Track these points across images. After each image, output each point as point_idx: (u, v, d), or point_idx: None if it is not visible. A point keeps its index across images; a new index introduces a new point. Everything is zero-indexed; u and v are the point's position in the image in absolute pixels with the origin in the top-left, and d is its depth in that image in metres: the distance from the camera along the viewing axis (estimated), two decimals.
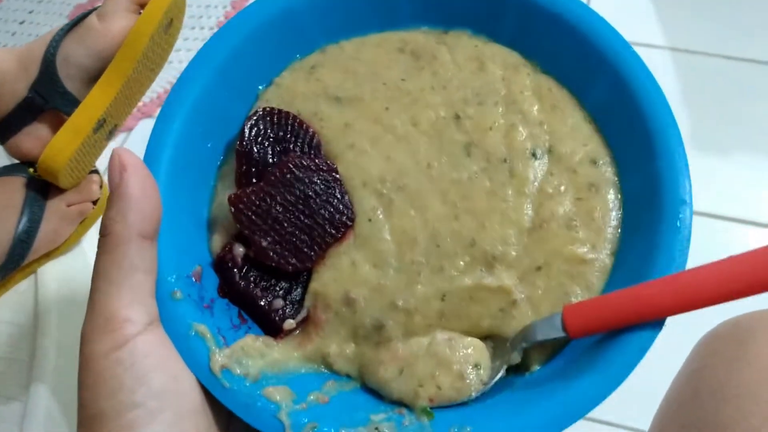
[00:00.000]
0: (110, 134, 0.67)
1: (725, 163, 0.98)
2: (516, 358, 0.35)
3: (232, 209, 0.37)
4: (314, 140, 0.39)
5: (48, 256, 0.84)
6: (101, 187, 0.83)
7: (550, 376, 0.35)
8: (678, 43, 1.11)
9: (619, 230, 0.37)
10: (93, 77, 0.64)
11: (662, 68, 1.08)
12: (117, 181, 0.31)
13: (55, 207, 0.78)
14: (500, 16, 0.41)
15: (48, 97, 0.65)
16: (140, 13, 0.66)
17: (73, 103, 0.62)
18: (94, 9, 0.66)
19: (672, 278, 0.32)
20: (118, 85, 0.59)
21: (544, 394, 0.33)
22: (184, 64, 0.42)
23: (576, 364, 0.34)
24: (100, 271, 0.31)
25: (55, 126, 0.67)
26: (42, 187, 0.76)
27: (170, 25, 0.62)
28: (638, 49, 0.39)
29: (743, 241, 0.91)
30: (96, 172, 0.81)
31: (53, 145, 0.65)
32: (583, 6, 0.39)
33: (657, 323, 0.33)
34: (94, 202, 0.83)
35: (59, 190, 0.77)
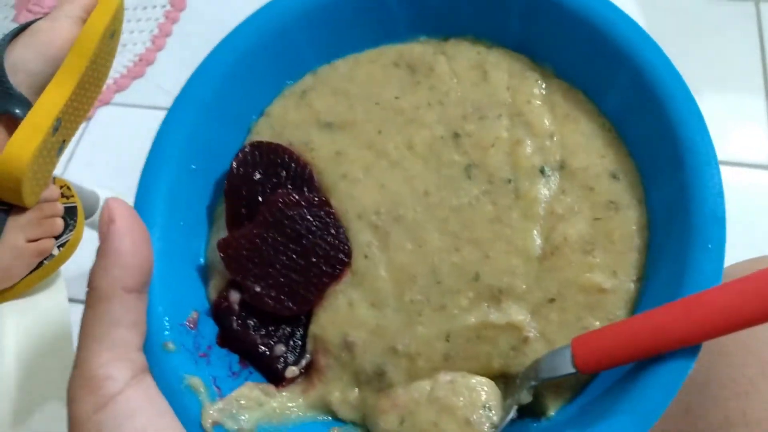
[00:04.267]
0: (60, 149, 0.63)
1: None
2: (526, 397, 0.32)
3: (221, 255, 0.35)
4: (306, 172, 0.37)
5: None
6: (74, 223, 0.73)
7: (568, 424, 0.31)
8: None
9: (646, 254, 0.33)
10: (42, 84, 0.59)
11: (626, 7, 1.02)
12: (104, 234, 0.30)
13: (12, 242, 0.67)
14: (504, 15, 0.37)
15: None
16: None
17: (27, 105, 0.57)
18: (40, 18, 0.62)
19: (698, 298, 0.27)
20: (73, 82, 0.57)
21: None
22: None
23: (593, 407, 0.30)
24: (84, 326, 0.30)
25: (10, 130, 0.59)
26: None
27: (113, 37, 0.60)
28: None
29: None
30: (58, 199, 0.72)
31: (13, 143, 0.57)
32: None
33: (691, 350, 0.28)
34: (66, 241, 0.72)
35: (18, 223, 0.67)
